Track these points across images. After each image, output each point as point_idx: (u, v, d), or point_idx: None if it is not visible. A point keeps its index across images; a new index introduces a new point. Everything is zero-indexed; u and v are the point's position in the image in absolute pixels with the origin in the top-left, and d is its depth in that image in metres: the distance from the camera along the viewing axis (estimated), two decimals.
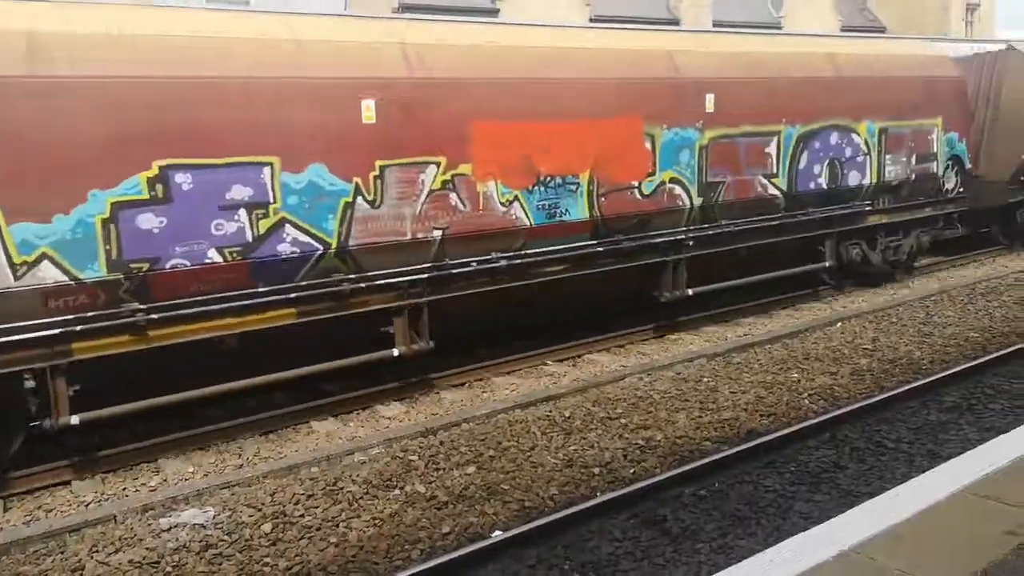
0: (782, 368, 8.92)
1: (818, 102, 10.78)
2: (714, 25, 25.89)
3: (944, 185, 13.06)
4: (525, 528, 5.52)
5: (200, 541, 5.63)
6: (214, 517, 5.97)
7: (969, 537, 3.92)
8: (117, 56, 6.37)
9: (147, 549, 5.55)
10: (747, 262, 10.60)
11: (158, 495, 6.28)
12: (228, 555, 5.47)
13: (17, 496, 6.47)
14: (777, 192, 10.52)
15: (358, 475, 6.55)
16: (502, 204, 8.23)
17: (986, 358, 8.85)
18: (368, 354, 7.75)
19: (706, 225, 9.90)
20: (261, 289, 7.05)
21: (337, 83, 7.26)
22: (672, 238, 9.57)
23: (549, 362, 9.30)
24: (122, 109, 6.30)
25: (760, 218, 10.39)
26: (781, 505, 5.89)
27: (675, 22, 26.97)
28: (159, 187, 6.48)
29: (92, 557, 5.48)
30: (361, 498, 6.18)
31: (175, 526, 5.86)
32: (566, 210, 8.68)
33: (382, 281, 7.63)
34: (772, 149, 10.37)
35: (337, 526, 5.79)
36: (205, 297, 6.79)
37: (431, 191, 7.78)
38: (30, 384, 6.60)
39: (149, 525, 5.89)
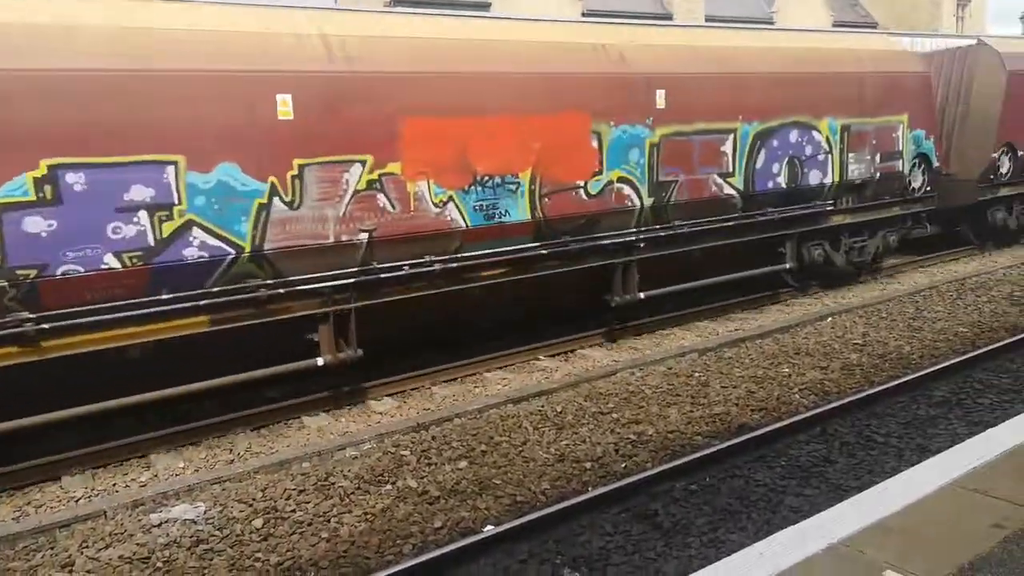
0: (773, 363, 8.95)
1: (776, 98, 10.42)
2: (707, 20, 25.89)
3: (911, 184, 12.82)
4: (517, 523, 5.52)
5: (191, 536, 5.62)
6: (205, 512, 5.96)
7: (957, 530, 3.95)
8: None
9: (137, 545, 5.53)
10: (705, 264, 10.28)
11: (148, 490, 6.26)
12: (219, 550, 5.46)
13: (6, 492, 6.44)
14: (733, 192, 10.19)
15: (350, 470, 6.55)
16: (435, 205, 7.87)
17: (975, 353, 8.89)
18: (289, 364, 7.38)
19: (658, 226, 9.60)
20: (165, 296, 6.67)
21: (249, 76, 6.85)
22: (622, 240, 9.28)
23: (541, 357, 9.31)
24: (5, 104, 5.89)
25: (716, 218, 10.09)
26: (771, 499, 5.92)
27: (668, 17, 26.98)
28: (47, 188, 6.07)
29: (82, 553, 5.46)
30: (353, 493, 6.18)
31: (166, 521, 5.84)
32: (506, 211, 8.32)
33: (304, 287, 7.27)
34: (728, 147, 10.03)
35: (328, 521, 5.79)
36: (103, 305, 6.40)
37: (356, 191, 7.40)
38: None
39: (139, 521, 5.87)
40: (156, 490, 6.24)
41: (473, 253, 8.24)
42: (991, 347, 9.07)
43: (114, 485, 6.51)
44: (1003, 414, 7.13)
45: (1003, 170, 14.28)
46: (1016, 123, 13.82)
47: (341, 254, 7.45)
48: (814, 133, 10.96)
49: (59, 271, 6.22)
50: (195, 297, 6.79)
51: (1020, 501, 4.19)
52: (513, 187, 8.36)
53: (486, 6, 24.31)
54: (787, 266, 11.18)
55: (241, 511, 5.95)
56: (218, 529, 5.72)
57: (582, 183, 8.86)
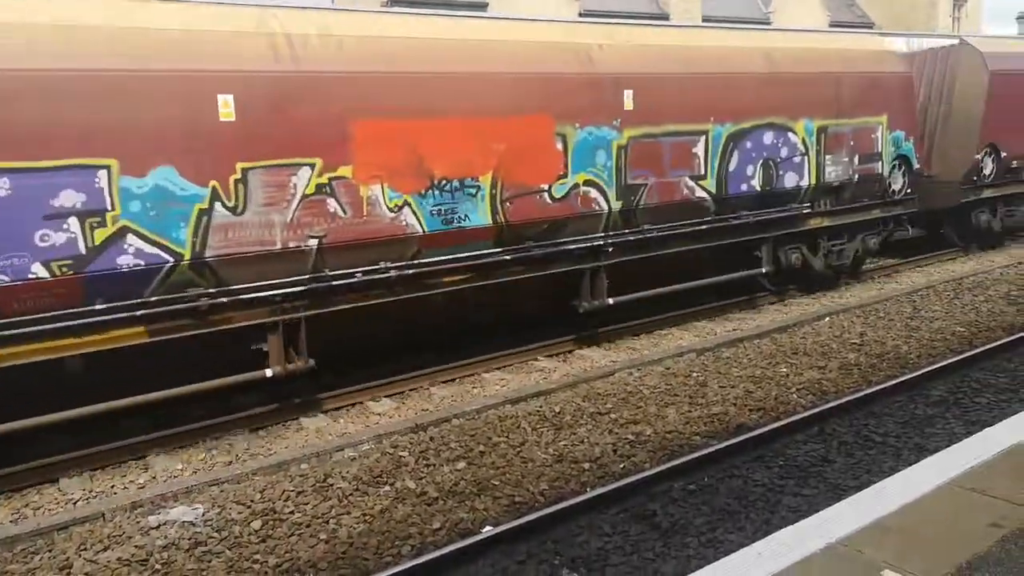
0: (771, 363, 8.96)
1: (750, 99, 10.18)
2: (704, 20, 25.91)
3: (891, 186, 12.60)
4: (515, 523, 5.52)
5: (189, 538, 5.62)
6: (203, 514, 5.95)
7: (955, 529, 3.96)
8: None
9: (136, 547, 5.52)
10: (681, 269, 10.05)
11: (147, 492, 6.25)
12: (217, 552, 5.45)
13: (3, 494, 6.43)
14: (705, 195, 9.96)
15: (348, 471, 6.54)
16: (390, 210, 7.60)
17: (972, 352, 8.91)
18: (237, 375, 7.12)
19: (627, 231, 9.37)
20: (98, 307, 6.40)
21: (187, 76, 6.56)
22: (589, 244, 9.04)
23: (540, 358, 9.31)
24: None
25: (688, 222, 9.86)
26: (770, 499, 5.93)
27: (664, 17, 26.99)
28: None
29: (80, 555, 5.45)
30: (351, 494, 6.17)
31: (164, 523, 5.83)
32: (465, 215, 8.07)
33: (249, 295, 7.00)
34: (699, 149, 9.79)
35: (327, 523, 5.79)
36: (30, 317, 6.12)
37: (305, 196, 7.14)
38: None
39: (138, 523, 5.86)
40: (154, 492, 6.23)
41: (431, 259, 7.99)
42: (988, 346, 9.10)
43: (112, 487, 6.51)
44: (1000, 413, 7.15)
45: (986, 171, 14.11)
46: (999, 124, 13.66)
47: (290, 261, 7.20)
48: (790, 134, 10.73)
49: None
50: (132, 307, 6.52)
51: (1017, 500, 4.20)
52: (473, 191, 8.11)
53: (483, 6, 24.32)
54: (763, 270, 11.00)
55: (239, 513, 5.95)
56: (216, 531, 5.71)
57: (546, 186, 8.60)
